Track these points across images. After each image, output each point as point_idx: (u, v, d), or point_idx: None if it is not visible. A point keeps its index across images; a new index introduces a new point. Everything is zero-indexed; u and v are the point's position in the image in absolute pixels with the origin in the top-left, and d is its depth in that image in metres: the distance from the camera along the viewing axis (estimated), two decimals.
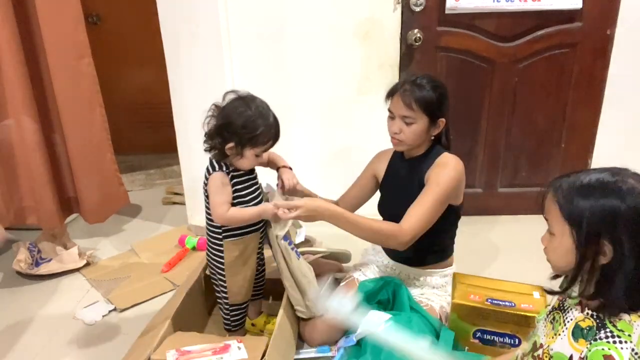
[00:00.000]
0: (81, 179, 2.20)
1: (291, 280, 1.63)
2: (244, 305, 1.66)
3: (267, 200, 1.61)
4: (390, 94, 1.65)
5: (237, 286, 1.60)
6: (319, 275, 1.83)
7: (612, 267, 0.98)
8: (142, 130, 3.56)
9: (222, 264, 1.57)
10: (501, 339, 1.53)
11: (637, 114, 2.44)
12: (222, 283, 1.61)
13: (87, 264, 2.27)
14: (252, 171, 1.57)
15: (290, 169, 1.70)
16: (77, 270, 2.24)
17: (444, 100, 1.62)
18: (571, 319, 1.07)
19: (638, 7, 2.25)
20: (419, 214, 1.57)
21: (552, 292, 1.11)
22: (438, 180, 1.60)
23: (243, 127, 1.43)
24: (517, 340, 1.51)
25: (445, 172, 1.61)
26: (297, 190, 1.74)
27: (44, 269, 2.19)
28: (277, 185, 1.68)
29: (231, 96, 1.48)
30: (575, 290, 1.07)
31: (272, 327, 1.72)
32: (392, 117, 1.65)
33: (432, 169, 1.64)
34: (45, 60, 2.02)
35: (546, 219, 1.07)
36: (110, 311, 1.97)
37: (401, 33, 2.30)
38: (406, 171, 1.73)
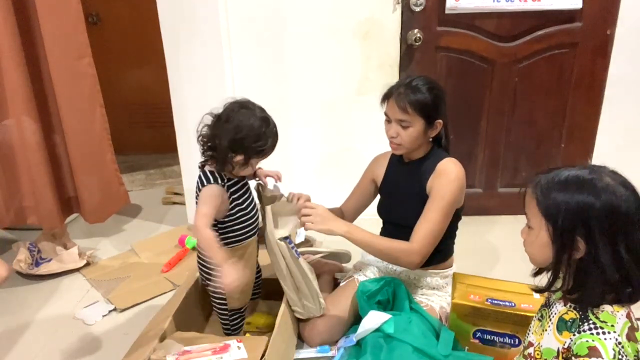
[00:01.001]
0: (81, 179, 2.20)
1: (289, 280, 1.62)
2: (243, 310, 1.65)
3: (260, 200, 1.60)
4: (385, 98, 1.64)
5: (236, 292, 1.57)
6: (319, 275, 1.84)
7: (586, 262, 1.00)
8: (142, 130, 3.56)
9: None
10: (501, 339, 1.53)
11: (637, 114, 2.44)
12: (220, 290, 1.57)
13: (87, 264, 2.27)
14: (243, 177, 1.55)
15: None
16: (77, 270, 2.24)
17: (440, 102, 1.61)
18: (555, 313, 1.08)
19: (638, 7, 2.25)
20: (428, 232, 1.59)
21: (537, 290, 1.12)
22: (443, 193, 1.59)
23: (255, 142, 1.42)
24: (517, 340, 1.51)
25: (449, 183, 1.60)
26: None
27: (44, 269, 2.19)
28: (260, 184, 1.67)
29: (234, 106, 1.45)
30: (557, 286, 1.08)
31: (266, 322, 1.75)
32: (388, 121, 1.65)
33: (434, 178, 1.63)
34: (45, 60, 2.02)
35: (525, 214, 1.10)
36: (110, 311, 1.97)
37: (401, 33, 2.30)
38: (406, 175, 1.72)
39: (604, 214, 0.97)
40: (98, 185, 2.25)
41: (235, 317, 1.64)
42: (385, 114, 1.65)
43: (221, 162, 1.45)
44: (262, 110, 1.48)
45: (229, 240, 1.53)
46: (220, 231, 1.51)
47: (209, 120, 1.46)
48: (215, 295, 1.61)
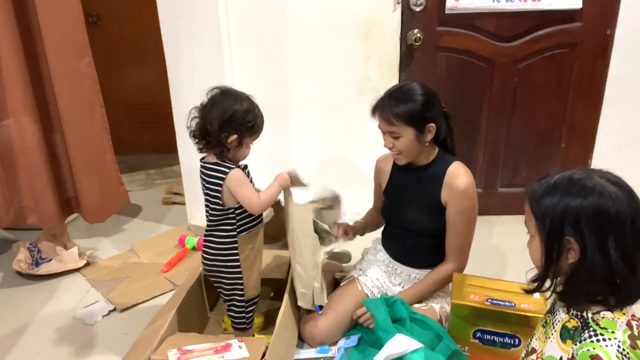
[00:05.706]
0: (81, 179, 2.20)
1: (310, 262, 1.64)
2: (257, 298, 1.67)
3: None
4: (373, 111, 1.64)
5: (253, 279, 1.62)
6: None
7: (581, 264, 0.98)
8: (142, 130, 3.56)
9: (237, 260, 1.57)
10: (501, 339, 1.53)
11: (637, 114, 2.44)
12: (237, 281, 1.59)
13: (87, 264, 2.28)
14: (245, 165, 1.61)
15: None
16: (77, 270, 2.25)
17: (428, 106, 1.58)
18: (559, 321, 1.08)
19: (638, 7, 2.25)
20: (461, 245, 1.68)
21: (527, 291, 1.11)
22: (463, 205, 1.63)
23: (243, 118, 1.49)
24: (517, 340, 1.51)
25: (464, 193, 1.62)
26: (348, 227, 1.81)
27: (44, 269, 2.19)
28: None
29: (216, 92, 1.54)
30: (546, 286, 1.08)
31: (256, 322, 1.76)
32: (383, 133, 1.65)
33: (446, 189, 1.64)
34: (45, 60, 2.01)
35: (525, 223, 1.10)
36: (110, 311, 1.97)
37: (401, 33, 2.30)
38: (413, 181, 1.71)
39: (593, 214, 0.96)
40: (98, 185, 2.24)
41: (250, 307, 1.66)
42: (378, 126, 1.65)
43: (218, 147, 1.50)
44: (243, 93, 1.55)
45: (244, 227, 1.56)
46: (237, 217, 1.54)
47: (196, 113, 1.53)
48: (233, 287, 1.60)
